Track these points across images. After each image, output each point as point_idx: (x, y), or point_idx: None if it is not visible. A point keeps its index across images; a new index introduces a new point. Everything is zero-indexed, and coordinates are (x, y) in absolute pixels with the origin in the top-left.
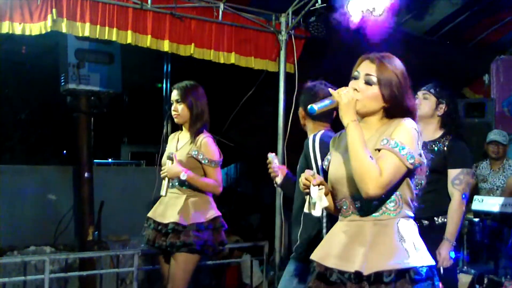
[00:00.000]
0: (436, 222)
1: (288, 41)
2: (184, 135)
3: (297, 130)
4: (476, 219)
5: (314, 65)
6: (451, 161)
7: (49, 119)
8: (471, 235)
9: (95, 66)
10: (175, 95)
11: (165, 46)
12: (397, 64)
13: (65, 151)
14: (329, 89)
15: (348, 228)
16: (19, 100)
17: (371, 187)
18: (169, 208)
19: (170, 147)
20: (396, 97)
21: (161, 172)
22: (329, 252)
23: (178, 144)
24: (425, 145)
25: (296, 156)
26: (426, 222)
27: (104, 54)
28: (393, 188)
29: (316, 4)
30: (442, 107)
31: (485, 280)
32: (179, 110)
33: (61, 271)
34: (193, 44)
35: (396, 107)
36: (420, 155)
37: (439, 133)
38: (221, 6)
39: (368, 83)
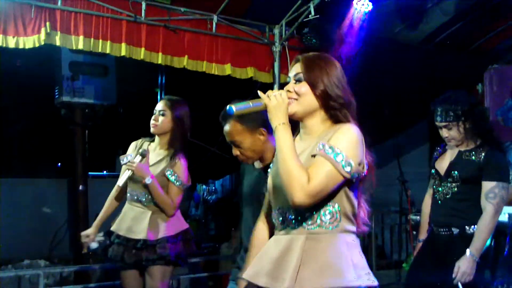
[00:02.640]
0: (467, 232)
1: (282, 52)
2: (157, 150)
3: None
4: None
5: None
6: (486, 173)
7: (44, 131)
8: None
9: (89, 78)
10: (161, 106)
11: (159, 58)
12: (327, 60)
13: (59, 164)
14: (258, 91)
15: (280, 243)
16: (13, 113)
17: (297, 194)
18: (137, 223)
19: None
20: (328, 92)
21: (127, 163)
22: (260, 269)
23: (152, 157)
24: (460, 154)
25: None
26: (456, 230)
27: (99, 67)
28: (327, 198)
29: (310, 16)
30: (466, 123)
31: None
32: (159, 120)
33: (56, 284)
34: (186, 56)
35: (332, 104)
36: (360, 164)
37: (474, 143)
38: (215, 18)
39: (298, 81)
